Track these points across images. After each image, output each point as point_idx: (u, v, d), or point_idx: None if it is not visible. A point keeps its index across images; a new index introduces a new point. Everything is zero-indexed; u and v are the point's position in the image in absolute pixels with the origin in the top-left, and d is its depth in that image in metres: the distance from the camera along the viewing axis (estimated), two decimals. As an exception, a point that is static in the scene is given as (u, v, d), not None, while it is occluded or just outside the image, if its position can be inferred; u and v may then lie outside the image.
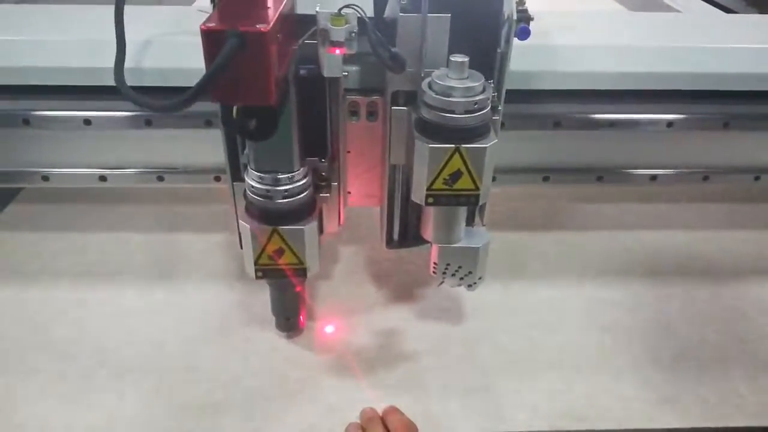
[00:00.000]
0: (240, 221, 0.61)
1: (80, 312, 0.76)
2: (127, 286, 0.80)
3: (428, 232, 0.64)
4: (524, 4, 0.61)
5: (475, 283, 0.66)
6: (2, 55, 0.70)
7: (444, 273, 0.65)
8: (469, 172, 0.56)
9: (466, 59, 0.54)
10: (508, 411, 0.65)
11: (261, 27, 0.44)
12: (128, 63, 0.64)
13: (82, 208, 0.94)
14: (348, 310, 0.77)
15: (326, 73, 0.57)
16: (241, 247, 0.71)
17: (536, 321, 0.76)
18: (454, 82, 0.54)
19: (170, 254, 0.85)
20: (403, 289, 0.81)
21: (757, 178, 0.81)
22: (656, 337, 0.74)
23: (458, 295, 0.79)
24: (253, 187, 0.60)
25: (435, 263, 0.65)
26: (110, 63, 0.66)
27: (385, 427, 0.61)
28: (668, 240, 0.91)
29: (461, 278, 0.65)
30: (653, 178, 0.80)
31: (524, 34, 0.61)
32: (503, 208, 0.95)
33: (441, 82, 0.54)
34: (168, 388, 0.67)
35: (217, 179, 0.77)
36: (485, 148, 0.55)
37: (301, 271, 0.63)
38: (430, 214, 0.62)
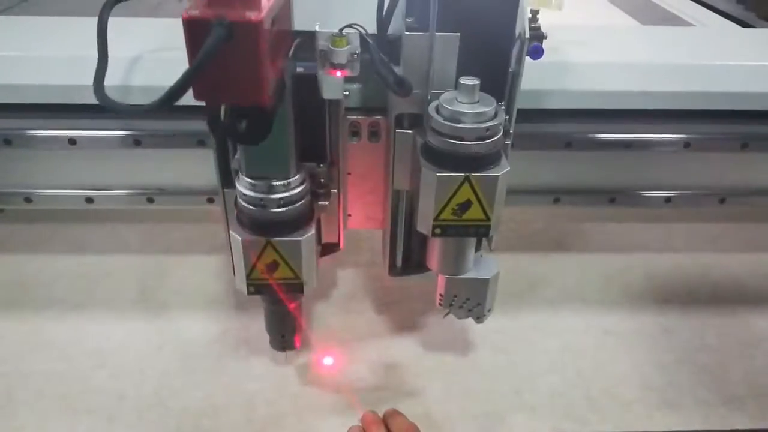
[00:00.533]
0: (231, 232, 0.56)
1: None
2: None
3: (434, 262, 0.60)
4: (537, 21, 0.57)
5: (484, 315, 0.62)
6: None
7: (451, 305, 0.61)
8: (480, 202, 0.52)
9: (477, 82, 0.50)
10: None
11: (252, 15, 0.38)
12: (116, 80, 0.61)
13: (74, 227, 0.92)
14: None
15: (326, 96, 0.53)
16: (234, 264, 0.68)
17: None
18: (464, 107, 0.50)
19: (158, 277, 0.83)
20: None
21: None
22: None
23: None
24: (244, 194, 0.55)
25: (441, 295, 0.61)
26: (89, 80, 0.62)
27: (388, 430, 0.60)
28: (671, 261, 0.89)
29: (469, 310, 0.62)
30: (668, 200, 0.76)
31: (537, 53, 0.57)
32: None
33: (450, 107, 0.50)
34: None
35: (210, 201, 0.73)
36: (497, 177, 0.51)
37: (298, 287, 0.58)
38: (436, 244, 0.59)
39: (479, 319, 0.62)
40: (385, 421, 0.61)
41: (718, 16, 1.08)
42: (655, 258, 0.89)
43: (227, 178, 0.62)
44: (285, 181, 0.54)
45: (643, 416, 0.66)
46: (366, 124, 0.65)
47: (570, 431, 0.65)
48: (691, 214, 0.97)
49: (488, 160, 0.52)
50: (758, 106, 0.71)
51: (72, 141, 0.68)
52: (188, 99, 0.61)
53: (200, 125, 0.65)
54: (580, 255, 0.89)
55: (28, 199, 0.73)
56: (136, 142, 0.68)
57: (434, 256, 0.60)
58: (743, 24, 1.04)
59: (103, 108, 0.61)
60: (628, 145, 0.70)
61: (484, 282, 0.60)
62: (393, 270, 0.68)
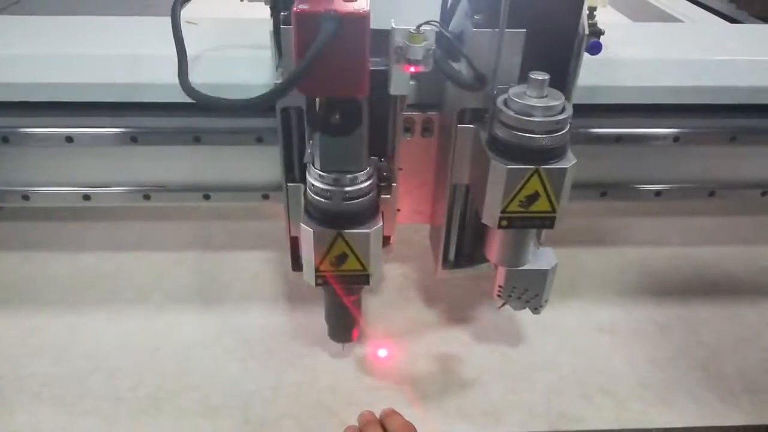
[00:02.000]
0: (301, 224, 0.57)
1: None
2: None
3: (494, 254, 0.61)
4: (594, 17, 0.59)
5: (540, 306, 0.63)
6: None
7: (509, 296, 0.63)
8: (547, 193, 0.54)
9: (547, 77, 0.52)
10: None
11: (359, 8, 0.39)
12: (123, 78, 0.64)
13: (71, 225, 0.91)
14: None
15: (393, 91, 0.54)
16: (294, 266, 0.69)
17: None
18: (534, 101, 0.51)
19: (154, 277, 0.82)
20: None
21: (764, 194, 0.79)
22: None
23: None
24: (316, 187, 0.55)
25: (500, 286, 0.62)
26: (90, 78, 0.66)
27: (384, 429, 0.60)
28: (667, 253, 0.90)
29: (527, 301, 0.63)
30: (658, 193, 0.78)
31: (595, 48, 0.59)
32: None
33: (520, 101, 0.52)
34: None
35: (207, 197, 0.74)
36: (566, 169, 0.53)
37: (364, 278, 0.59)
38: (498, 236, 0.60)
39: (536, 310, 0.64)
40: (382, 420, 0.61)
41: (708, 12, 1.10)
42: (650, 254, 0.89)
43: (291, 174, 0.63)
44: (357, 175, 0.55)
45: (639, 413, 0.66)
46: (420, 120, 0.66)
47: (566, 429, 0.64)
48: (686, 209, 0.97)
49: (556, 153, 0.53)
50: (746, 100, 0.72)
51: (69, 138, 0.69)
52: (185, 96, 0.62)
53: (196, 122, 0.68)
54: (574, 252, 0.88)
55: (25, 197, 0.74)
56: (133, 139, 0.69)
57: (494, 248, 0.61)
58: (732, 20, 1.06)
59: (96, 105, 0.67)
60: (618, 138, 0.72)
61: (544, 273, 0.61)
62: (446, 264, 0.70)
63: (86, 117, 0.69)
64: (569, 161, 0.53)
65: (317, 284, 0.59)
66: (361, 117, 0.47)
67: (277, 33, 0.56)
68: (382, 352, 0.71)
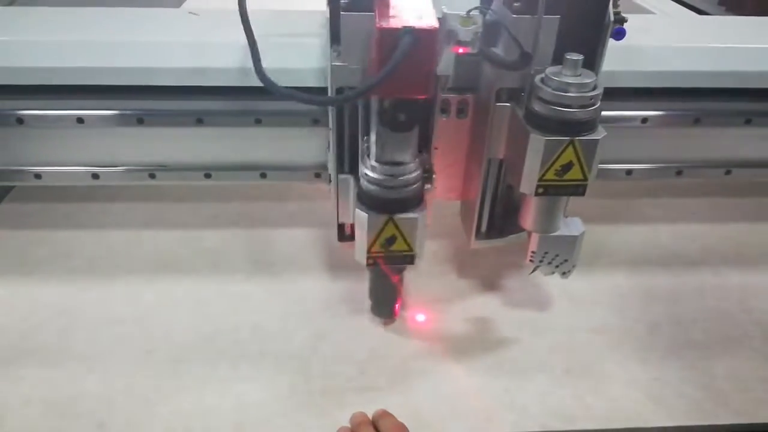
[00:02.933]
0: (356, 210, 0.63)
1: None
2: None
3: (529, 221, 0.67)
4: (618, 6, 0.65)
5: (569, 270, 0.69)
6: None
7: (541, 261, 0.69)
8: (580, 163, 0.60)
9: (581, 57, 0.58)
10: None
11: (430, 24, 0.47)
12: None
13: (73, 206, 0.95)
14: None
15: (440, 71, 0.60)
16: (341, 239, 0.75)
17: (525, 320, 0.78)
18: (570, 79, 0.58)
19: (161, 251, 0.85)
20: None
21: (727, 172, 0.85)
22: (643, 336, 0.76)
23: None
24: (370, 177, 0.62)
25: (533, 251, 0.68)
26: (101, 63, 0.71)
27: (377, 430, 0.61)
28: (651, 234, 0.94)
29: (557, 266, 0.69)
30: (629, 172, 0.84)
31: (619, 35, 0.65)
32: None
33: (557, 78, 0.58)
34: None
35: (208, 176, 0.79)
36: (597, 140, 0.59)
37: (410, 258, 0.66)
38: (532, 204, 0.66)
39: (565, 274, 0.70)
40: (375, 421, 0.63)
41: (677, 5, 1.17)
42: (640, 254, 0.90)
43: (342, 164, 0.70)
44: (407, 165, 0.62)
45: (630, 413, 0.66)
46: (455, 101, 0.72)
47: (558, 429, 0.65)
48: (676, 211, 0.99)
49: (589, 126, 0.59)
50: (709, 84, 0.78)
51: (80, 120, 0.74)
52: (191, 80, 0.71)
53: (199, 105, 0.74)
54: None
55: (37, 176, 0.79)
56: (139, 121, 0.74)
57: (529, 216, 0.67)
58: (701, 12, 1.13)
59: (110, 89, 0.72)
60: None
61: (574, 239, 0.67)
62: (478, 235, 0.75)
63: (96, 100, 0.74)
64: (600, 133, 0.59)
65: (368, 264, 0.66)
66: (421, 114, 0.54)
67: (335, 19, 0.62)
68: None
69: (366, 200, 0.64)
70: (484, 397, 0.68)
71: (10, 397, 0.66)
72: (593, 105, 0.58)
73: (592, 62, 0.63)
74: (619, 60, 0.73)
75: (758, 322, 0.78)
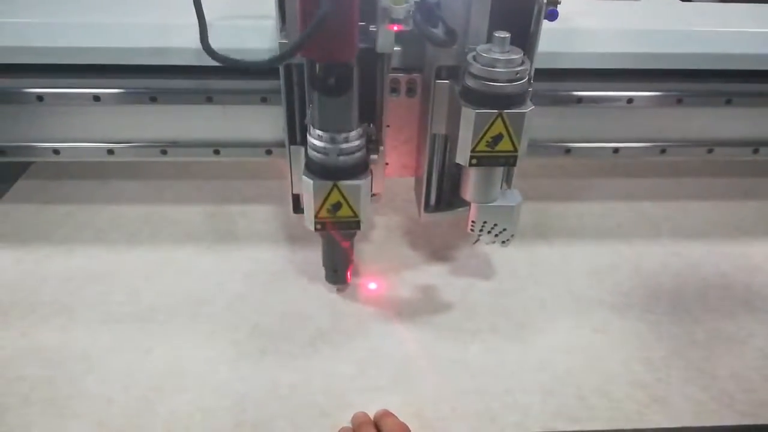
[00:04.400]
0: (303, 177, 0.67)
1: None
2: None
3: (468, 192, 0.71)
4: (552, -12, 0.69)
5: (508, 240, 0.73)
6: (17, 36, 0.75)
7: (481, 230, 0.73)
8: (510, 135, 0.64)
9: (508, 35, 0.61)
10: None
11: None
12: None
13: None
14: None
15: (380, 49, 0.64)
16: (294, 209, 0.79)
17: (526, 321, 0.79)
18: (498, 55, 0.61)
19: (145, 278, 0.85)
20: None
21: (710, 151, 0.88)
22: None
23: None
24: (315, 145, 0.65)
25: (473, 221, 0.72)
26: (115, 43, 0.75)
27: (378, 430, 0.62)
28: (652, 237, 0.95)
29: (496, 235, 0.73)
30: (616, 150, 0.87)
31: (552, 16, 0.69)
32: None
33: (486, 55, 0.62)
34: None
35: (216, 152, 0.83)
36: (524, 113, 0.63)
37: (355, 224, 0.69)
38: (470, 176, 0.70)
39: (504, 243, 0.74)
40: (376, 421, 0.64)
41: None
42: (643, 252, 0.90)
43: (293, 136, 0.73)
44: (348, 134, 0.65)
45: (633, 413, 0.67)
46: (404, 81, 0.75)
47: (561, 430, 0.65)
48: (675, 208, 1.00)
49: (517, 99, 0.63)
50: (691, 66, 0.81)
51: (96, 98, 0.78)
52: (200, 60, 0.72)
53: (209, 84, 0.77)
54: (564, 249, 0.91)
55: (56, 152, 0.83)
56: (152, 99, 0.78)
57: (468, 187, 0.71)
58: None
59: (124, 68, 0.75)
60: (580, 100, 0.81)
61: (510, 209, 0.71)
62: (427, 208, 0.79)
63: (112, 78, 0.78)
64: (527, 107, 0.63)
65: (316, 229, 0.70)
66: (352, 79, 0.57)
67: (281, 1, 0.66)
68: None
69: (312, 168, 0.67)
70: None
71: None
72: (520, 80, 0.62)
73: (525, 42, 0.67)
74: (606, 42, 0.78)
75: (763, 321, 0.79)
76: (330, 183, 0.67)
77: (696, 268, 0.88)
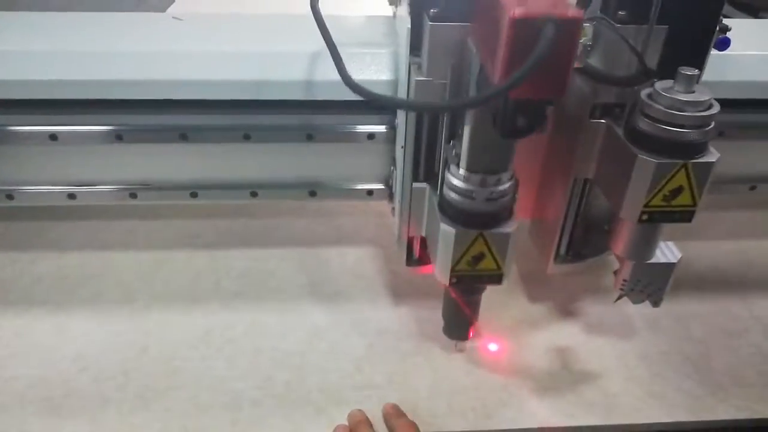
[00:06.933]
0: (441, 225, 0.58)
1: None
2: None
3: (623, 248, 0.62)
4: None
5: (661, 299, 0.64)
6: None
7: (632, 289, 0.63)
8: (691, 187, 0.54)
9: (697, 72, 0.52)
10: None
11: (572, 13, 0.39)
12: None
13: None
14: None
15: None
16: (408, 261, 0.70)
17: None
18: (684, 96, 0.52)
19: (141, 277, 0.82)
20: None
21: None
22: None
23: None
24: (457, 187, 0.56)
25: (625, 280, 0.63)
26: (75, 75, 0.66)
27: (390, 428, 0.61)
28: None
29: (649, 294, 0.64)
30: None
31: (723, 45, 0.60)
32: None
33: (668, 95, 0.52)
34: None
35: (194, 195, 0.74)
36: (712, 163, 0.53)
37: (497, 278, 0.60)
38: (630, 231, 0.60)
39: (656, 303, 0.64)
40: (386, 420, 0.62)
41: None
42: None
43: (416, 173, 0.64)
44: (502, 175, 0.56)
45: (629, 408, 0.66)
46: (534, 116, 0.66)
47: (558, 425, 0.65)
48: None
49: (701, 147, 0.54)
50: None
51: (53, 136, 0.68)
52: (171, 93, 0.66)
53: (183, 120, 0.68)
54: None
55: (9, 196, 0.73)
56: (118, 137, 0.68)
57: (624, 243, 0.61)
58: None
59: (83, 103, 0.66)
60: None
61: (670, 266, 0.62)
62: (558, 258, 0.70)
63: (71, 115, 0.68)
64: (714, 156, 0.54)
65: (451, 283, 0.60)
66: (546, 117, 0.47)
67: (416, 29, 0.56)
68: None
69: (451, 213, 0.58)
70: None
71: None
72: (708, 125, 0.53)
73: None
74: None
75: (758, 317, 0.77)
76: (475, 232, 0.57)
77: (691, 262, 0.84)
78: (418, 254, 0.71)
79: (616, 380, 0.69)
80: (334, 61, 0.56)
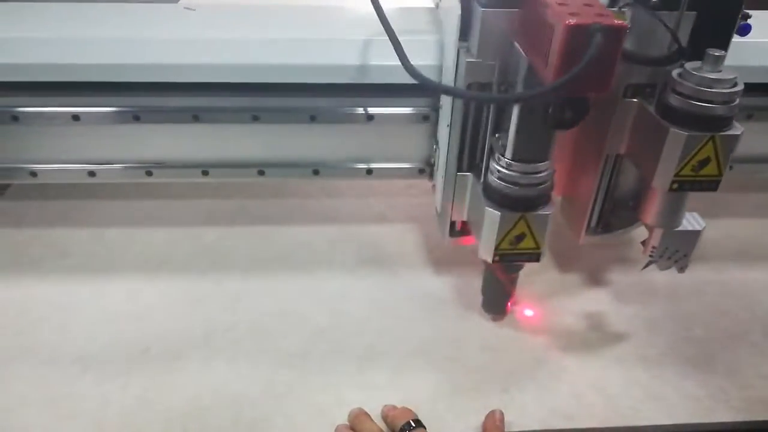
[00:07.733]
0: (487, 208, 0.64)
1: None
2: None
3: (653, 217, 0.67)
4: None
5: (686, 266, 0.70)
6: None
7: (660, 256, 0.69)
8: (717, 159, 0.60)
9: (724, 53, 0.58)
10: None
11: (618, 22, 0.47)
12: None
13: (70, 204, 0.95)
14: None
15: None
16: (452, 234, 0.75)
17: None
18: (712, 74, 0.58)
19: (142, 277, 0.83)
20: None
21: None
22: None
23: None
24: (503, 175, 0.62)
25: (654, 247, 0.68)
26: (96, 59, 0.70)
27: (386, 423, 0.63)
28: None
29: (676, 261, 0.69)
30: None
31: (745, 30, 0.65)
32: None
33: (698, 74, 0.58)
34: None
35: (205, 173, 0.78)
36: (737, 136, 0.59)
37: (536, 256, 0.66)
38: (659, 200, 0.66)
39: (682, 269, 0.70)
40: (385, 418, 0.63)
41: None
42: (637, 249, 0.83)
43: (461, 163, 0.70)
44: (542, 163, 0.62)
45: (629, 410, 0.66)
46: (568, 98, 0.72)
47: (557, 428, 0.65)
48: None
49: (728, 121, 0.59)
50: None
51: (76, 117, 0.73)
52: (185, 76, 0.71)
53: (195, 101, 0.73)
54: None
55: (33, 174, 0.78)
56: (135, 118, 0.74)
57: (654, 212, 0.67)
58: None
59: (104, 86, 0.71)
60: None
61: (696, 234, 0.67)
62: (589, 230, 0.76)
63: (92, 97, 0.73)
64: (738, 129, 0.59)
65: (494, 261, 0.66)
66: (588, 110, 0.54)
67: (466, 14, 0.62)
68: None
69: (496, 198, 0.64)
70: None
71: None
72: (733, 101, 0.58)
73: (722, 58, 0.63)
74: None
75: (758, 318, 0.78)
76: (518, 214, 0.63)
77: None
78: (459, 227, 0.77)
79: (616, 382, 0.69)
80: (394, 48, 0.62)
